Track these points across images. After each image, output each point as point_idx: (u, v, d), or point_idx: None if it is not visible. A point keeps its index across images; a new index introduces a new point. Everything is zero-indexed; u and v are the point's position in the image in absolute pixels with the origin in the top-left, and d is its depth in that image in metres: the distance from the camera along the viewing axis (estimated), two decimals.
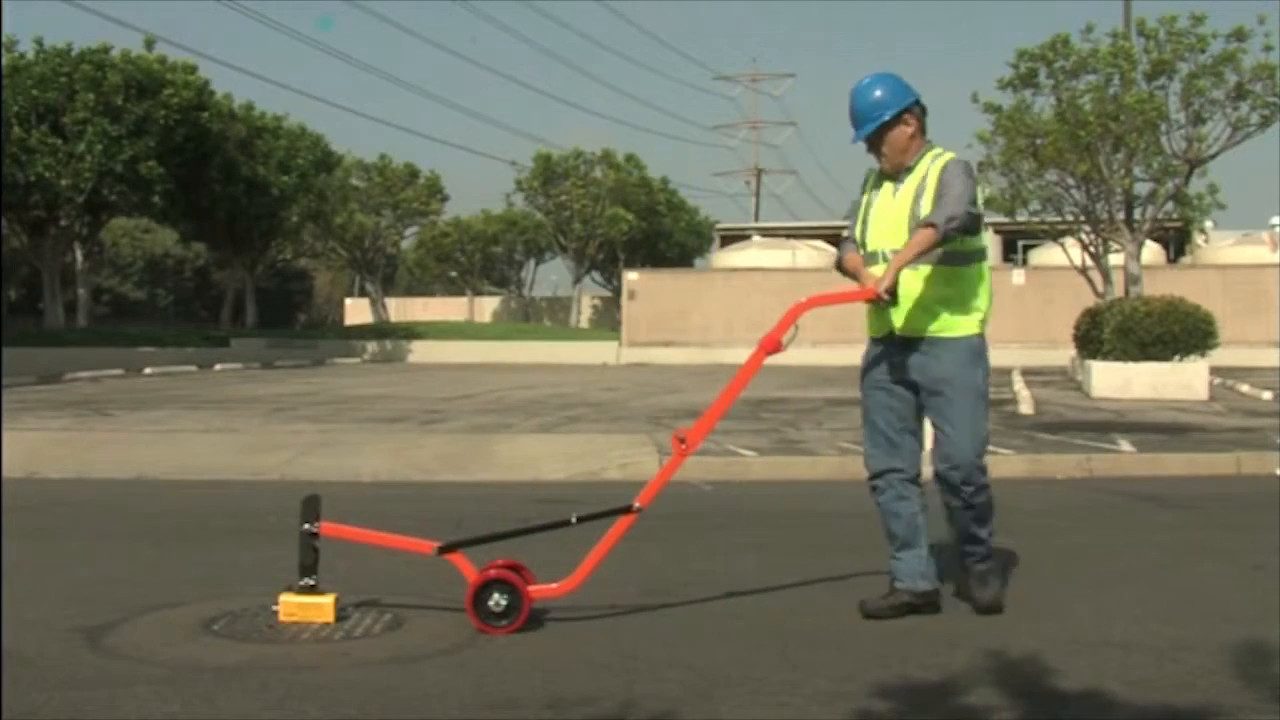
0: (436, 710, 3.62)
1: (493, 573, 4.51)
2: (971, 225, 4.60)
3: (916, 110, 4.73)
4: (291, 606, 4.53)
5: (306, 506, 4.66)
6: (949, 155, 4.72)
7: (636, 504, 4.39)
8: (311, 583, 4.56)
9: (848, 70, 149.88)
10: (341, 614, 4.57)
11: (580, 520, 4.67)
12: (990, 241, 40.46)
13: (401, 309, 62.09)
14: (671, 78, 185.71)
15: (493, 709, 3.62)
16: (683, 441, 4.60)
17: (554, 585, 4.57)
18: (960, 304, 4.68)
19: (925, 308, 4.65)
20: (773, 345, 4.62)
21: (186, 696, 3.72)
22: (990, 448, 4.82)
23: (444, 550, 4.67)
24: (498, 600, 4.44)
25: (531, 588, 4.53)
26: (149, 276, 67.72)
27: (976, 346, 4.73)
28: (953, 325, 4.67)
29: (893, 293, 4.52)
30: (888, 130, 4.69)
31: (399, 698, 3.72)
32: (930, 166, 4.69)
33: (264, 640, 4.40)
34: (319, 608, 4.51)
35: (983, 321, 4.72)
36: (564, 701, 3.67)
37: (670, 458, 4.70)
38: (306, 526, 4.60)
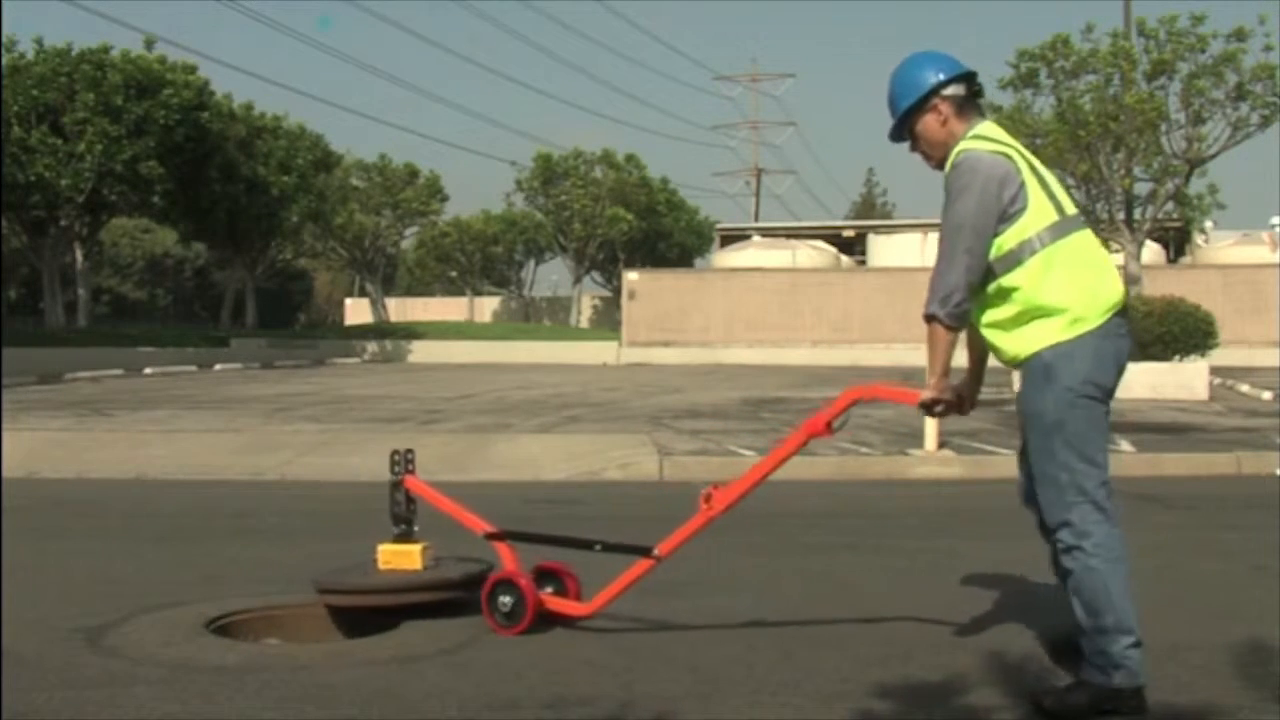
0: (436, 710, 3.62)
1: (505, 573, 4.53)
2: (977, 281, 3.71)
3: (949, 93, 3.88)
4: (388, 554, 4.69)
5: (394, 459, 4.79)
6: (957, 153, 3.82)
7: (657, 551, 4.34)
8: (401, 531, 4.70)
9: (848, 70, 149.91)
10: (431, 565, 4.69)
11: (605, 549, 4.62)
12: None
13: (401, 309, 62.09)
14: (671, 78, 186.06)
15: (493, 709, 3.62)
16: (708, 500, 4.29)
17: (580, 605, 4.54)
18: (1021, 319, 3.72)
19: (994, 336, 3.83)
20: (820, 428, 4.13)
21: (186, 696, 3.72)
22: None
23: (492, 537, 4.72)
24: (504, 601, 4.48)
25: (548, 596, 4.53)
26: (149, 276, 67.70)
27: (1048, 362, 3.66)
28: (1025, 344, 3.71)
29: (929, 406, 3.84)
30: (914, 123, 3.94)
31: (399, 698, 3.72)
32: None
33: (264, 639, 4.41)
34: (407, 555, 4.66)
35: (1075, 321, 3.64)
36: (564, 701, 3.67)
37: (697, 514, 4.33)
38: (392, 477, 4.75)
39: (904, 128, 3.97)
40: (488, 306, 64.60)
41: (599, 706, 3.63)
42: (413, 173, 56.28)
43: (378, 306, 57.07)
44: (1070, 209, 3.79)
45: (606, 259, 56.93)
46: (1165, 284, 23.18)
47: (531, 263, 65.47)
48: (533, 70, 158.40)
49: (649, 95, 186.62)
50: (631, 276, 38.26)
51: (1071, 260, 3.70)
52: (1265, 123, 20.70)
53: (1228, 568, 5.85)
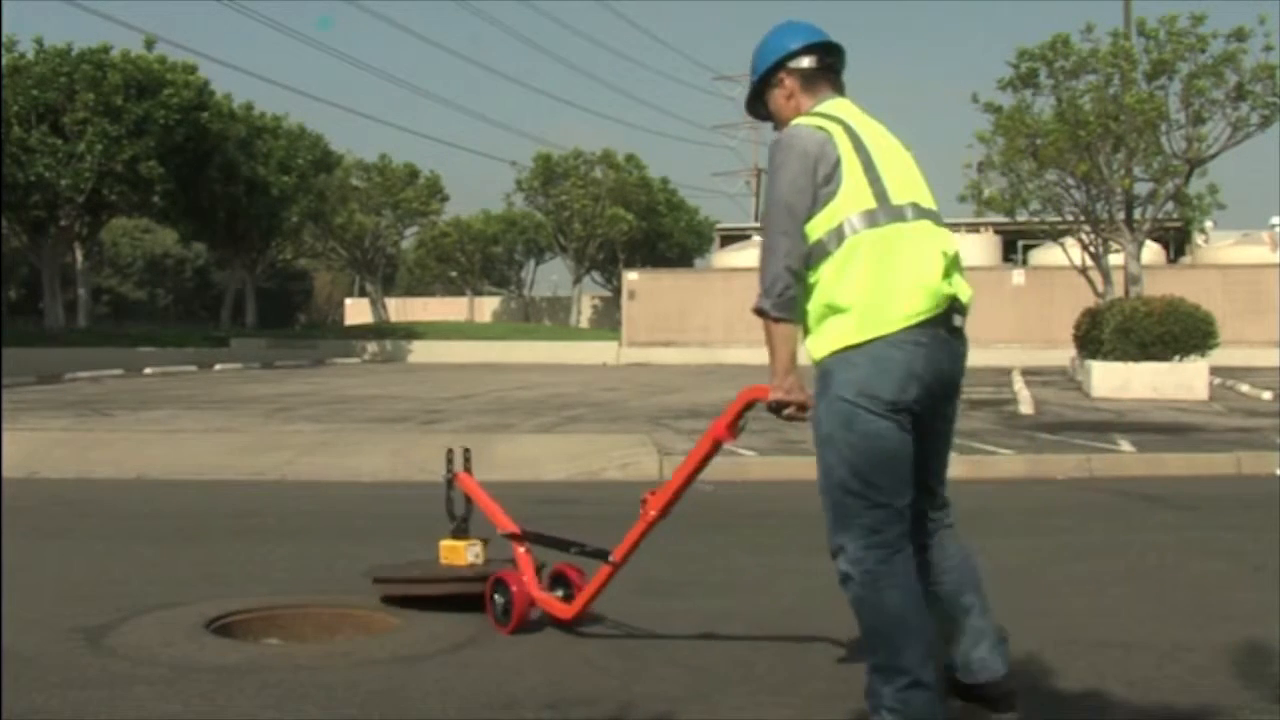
0: (436, 710, 3.62)
1: (501, 573, 4.59)
2: (802, 271, 3.29)
3: (796, 65, 3.52)
4: (444, 549, 4.88)
5: (448, 457, 4.99)
6: (783, 130, 3.46)
7: (613, 557, 4.31)
8: (455, 527, 4.88)
9: (847, 70, 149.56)
10: (475, 561, 4.79)
11: (580, 553, 4.58)
12: (991, 241, 39.47)
13: (401, 309, 62.11)
14: (671, 78, 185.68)
15: (493, 709, 3.62)
16: (644, 503, 4.15)
17: (566, 607, 4.53)
18: (819, 317, 3.31)
19: (806, 336, 3.39)
20: (723, 432, 3.80)
21: (186, 696, 3.72)
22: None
23: (510, 536, 4.78)
24: (498, 600, 4.55)
25: (542, 596, 4.54)
26: (149, 276, 67.73)
27: (828, 368, 3.27)
28: (819, 347, 3.32)
29: (775, 408, 3.39)
30: (767, 100, 3.60)
31: (399, 698, 3.72)
32: None
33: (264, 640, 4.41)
34: (455, 550, 4.84)
35: (864, 325, 3.19)
36: (564, 701, 3.67)
37: (639, 520, 4.17)
38: (445, 475, 4.96)
39: (758, 102, 3.63)
40: (488, 306, 64.63)
41: (599, 706, 3.63)
42: (413, 173, 56.33)
43: (378, 306, 57.09)
44: (900, 198, 3.29)
45: (606, 259, 56.95)
46: (1165, 284, 23.17)
47: (531, 263, 65.55)
48: (533, 70, 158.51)
49: (649, 95, 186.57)
50: (631, 276, 38.27)
51: (878, 255, 3.21)
52: (1265, 123, 20.70)
53: (1228, 568, 5.85)
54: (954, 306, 3.25)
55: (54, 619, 4.67)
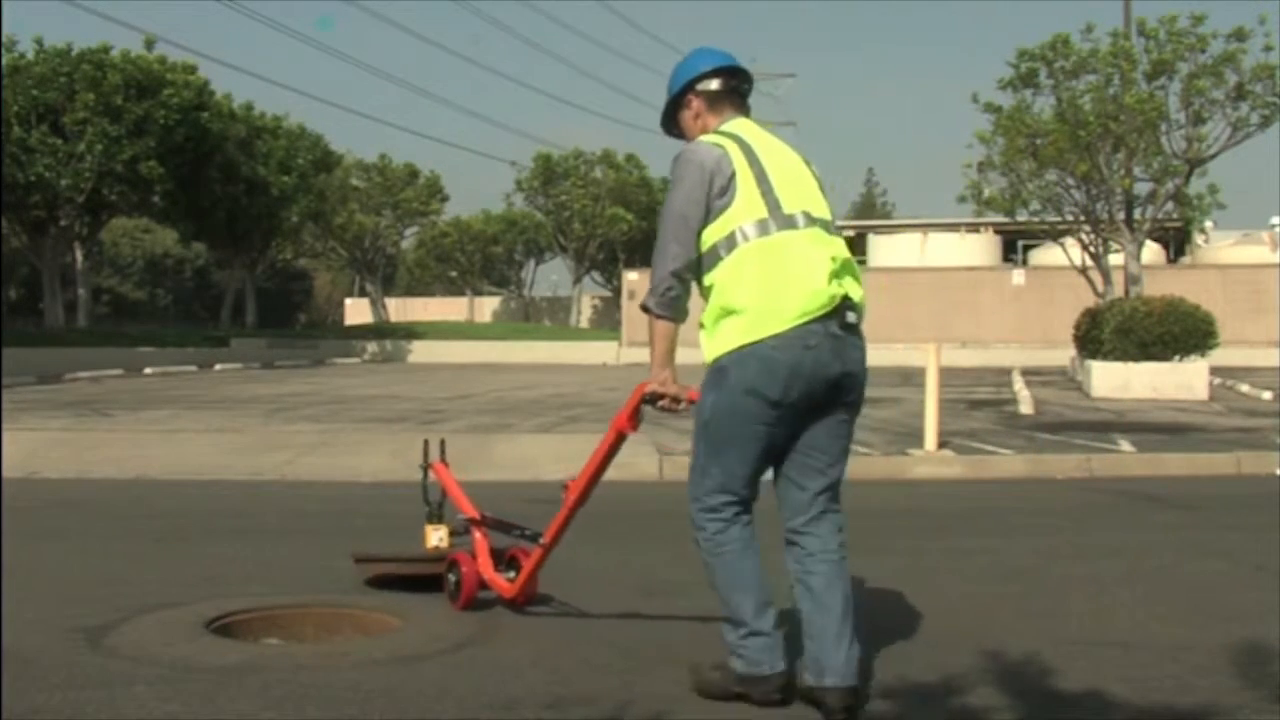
0: (436, 710, 3.62)
1: (454, 555, 4.87)
2: (686, 275, 3.60)
3: (703, 87, 3.80)
4: (424, 533, 5.15)
5: (425, 447, 5.36)
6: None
7: (543, 540, 4.44)
8: (427, 512, 5.17)
9: (848, 70, 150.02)
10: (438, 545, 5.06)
11: (521, 537, 4.79)
12: (990, 241, 39.47)
13: (401, 309, 62.14)
14: None
15: (493, 709, 3.62)
16: (565, 489, 4.40)
17: (508, 587, 4.69)
18: (715, 319, 3.57)
19: (701, 336, 3.62)
20: (624, 424, 4.04)
21: (186, 696, 3.72)
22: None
23: (472, 522, 4.99)
24: (451, 579, 4.83)
25: (493, 576, 4.74)
26: (149, 276, 67.75)
27: (723, 366, 3.52)
28: (713, 347, 3.58)
29: (650, 399, 3.73)
30: (679, 120, 3.90)
31: (399, 698, 3.72)
32: None
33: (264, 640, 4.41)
34: (426, 534, 5.14)
35: (754, 326, 3.46)
36: (564, 701, 3.67)
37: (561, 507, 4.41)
38: (422, 464, 5.30)
39: (671, 121, 3.93)
40: (488, 306, 64.65)
41: (599, 706, 3.63)
42: (413, 173, 56.37)
43: (378, 306, 57.12)
44: (792, 207, 3.55)
45: (606, 259, 56.98)
46: (1165, 284, 23.18)
47: (531, 263, 65.58)
48: (533, 70, 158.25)
49: (649, 95, 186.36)
50: (631, 276, 38.23)
51: (767, 260, 3.47)
52: (1265, 123, 20.68)
53: (1228, 568, 5.86)
54: (846, 304, 3.52)
55: (54, 619, 4.67)
